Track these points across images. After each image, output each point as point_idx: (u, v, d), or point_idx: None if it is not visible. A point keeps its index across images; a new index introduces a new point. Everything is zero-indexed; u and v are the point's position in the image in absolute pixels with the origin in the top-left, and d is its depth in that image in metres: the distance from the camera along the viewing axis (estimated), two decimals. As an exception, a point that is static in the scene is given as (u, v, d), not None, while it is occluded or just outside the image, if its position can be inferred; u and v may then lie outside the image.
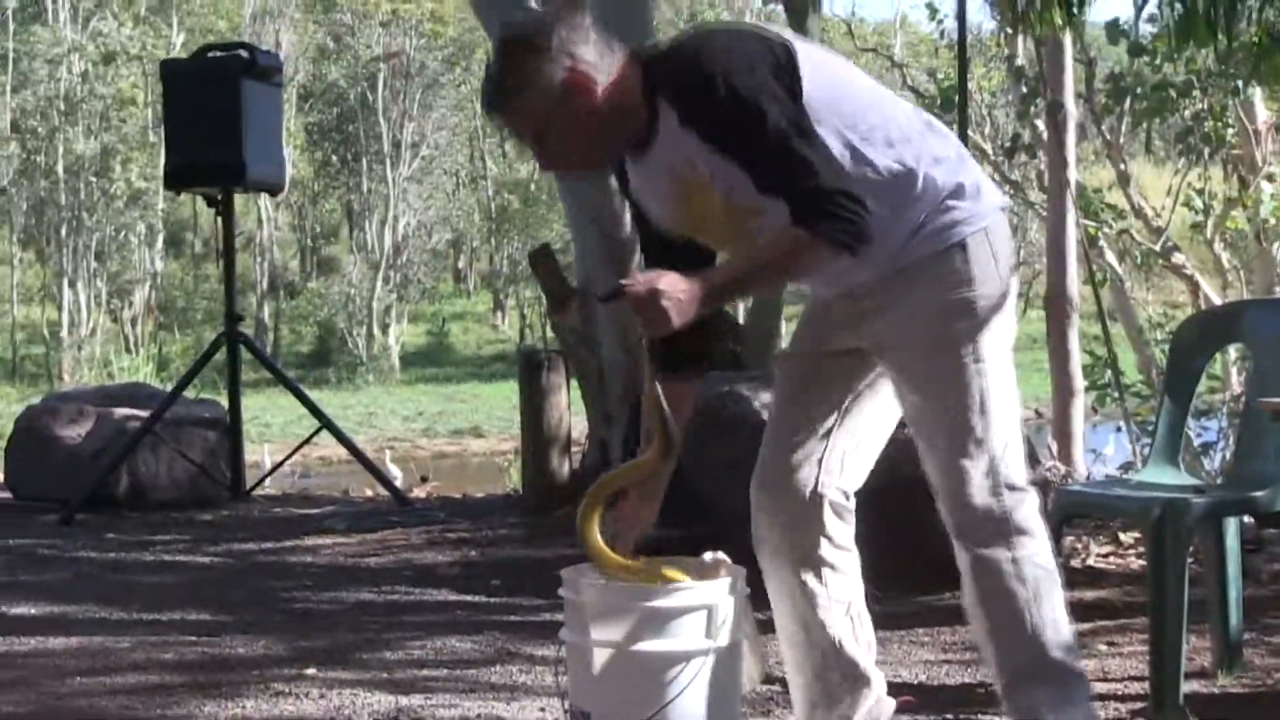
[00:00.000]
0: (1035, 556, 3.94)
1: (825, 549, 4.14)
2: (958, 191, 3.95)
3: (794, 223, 3.67)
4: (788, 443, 4.16)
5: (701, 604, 3.88)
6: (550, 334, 10.40)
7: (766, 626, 4.21)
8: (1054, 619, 3.96)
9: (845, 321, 4.06)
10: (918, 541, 5.50)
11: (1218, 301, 18.31)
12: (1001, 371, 3.97)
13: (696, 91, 3.72)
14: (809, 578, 4.15)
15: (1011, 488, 3.93)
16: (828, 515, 4.14)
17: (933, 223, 3.92)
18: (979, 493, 3.91)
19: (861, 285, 3.98)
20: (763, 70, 3.73)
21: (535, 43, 3.74)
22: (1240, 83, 14.36)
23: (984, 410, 3.91)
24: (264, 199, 41.95)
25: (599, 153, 3.93)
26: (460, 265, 57.74)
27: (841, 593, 4.18)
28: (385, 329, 47.59)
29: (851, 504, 4.18)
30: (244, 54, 11.07)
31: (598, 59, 3.76)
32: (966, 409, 3.91)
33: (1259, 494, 5.17)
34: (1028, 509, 3.95)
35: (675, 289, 3.60)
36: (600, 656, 3.88)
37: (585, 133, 3.80)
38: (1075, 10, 9.01)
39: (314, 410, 11.16)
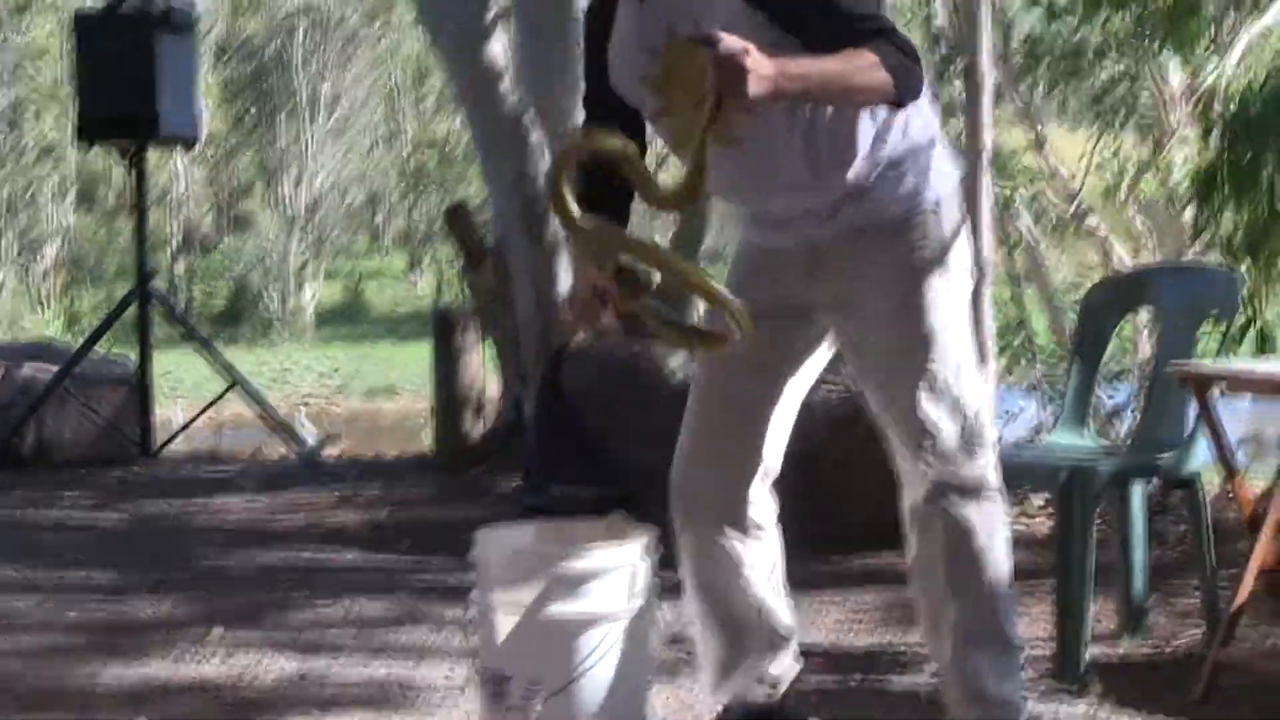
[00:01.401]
0: (1003, 518, 3.94)
1: (752, 512, 4.11)
2: (933, 144, 3.91)
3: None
4: (724, 409, 4.10)
5: (615, 566, 3.87)
6: (466, 293, 10.35)
7: (674, 588, 4.20)
8: (1008, 585, 3.96)
9: (798, 275, 3.97)
10: (825, 506, 5.51)
11: (1130, 264, 18.43)
12: (968, 333, 3.94)
13: None
14: (734, 541, 4.11)
15: (984, 448, 3.92)
16: (757, 481, 4.11)
17: (909, 168, 3.86)
18: (956, 454, 3.87)
19: (822, 233, 3.89)
20: None
21: None
22: (1155, 47, 14.39)
23: (959, 372, 3.87)
24: (178, 154, 41.63)
25: None
26: (376, 223, 57.46)
27: (765, 556, 4.17)
28: (300, 287, 47.34)
29: (777, 466, 4.16)
30: (158, 5, 10.96)
31: None
32: (942, 371, 3.85)
33: (1165, 458, 5.21)
34: (996, 470, 3.94)
35: (760, 58, 3.41)
36: (514, 618, 3.86)
37: None
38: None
39: (225, 367, 11.08)
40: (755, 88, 3.40)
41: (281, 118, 49.64)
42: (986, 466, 3.92)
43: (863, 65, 3.55)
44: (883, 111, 3.79)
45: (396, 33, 48.18)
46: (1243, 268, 8.58)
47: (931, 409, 3.86)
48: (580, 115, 9.52)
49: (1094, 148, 20.56)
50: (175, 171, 47.82)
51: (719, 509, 4.11)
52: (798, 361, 4.10)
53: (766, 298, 3.96)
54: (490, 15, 9.22)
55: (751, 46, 3.40)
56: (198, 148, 15.17)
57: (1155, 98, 18.65)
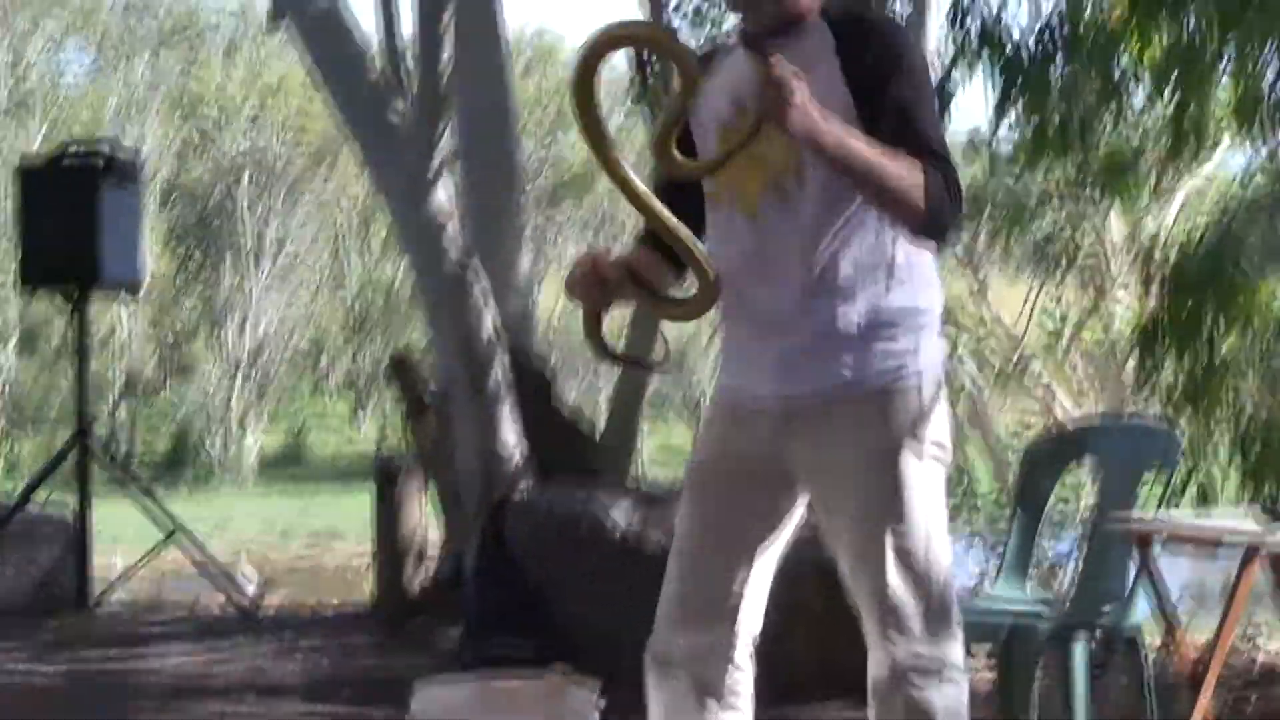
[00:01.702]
0: (964, 699, 3.90)
1: (731, 681, 4.04)
2: (930, 314, 3.90)
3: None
4: (706, 572, 4.01)
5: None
6: (410, 441, 10.33)
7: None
8: None
9: (773, 432, 3.91)
10: (774, 653, 5.47)
11: (1073, 413, 18.51)
12: (941, 510, 3.89)
13: (877, 32, 3.77)
14: (711, 704, 4.03)
15: (950, 627, 3.87)
16: (739, 645, 4.04)
17: (901, 333, 3.83)
18: (921, 632, 3.82)
19: (799, 386, 3.84)
20: (926, 66, 3.87)
21: None
22: (1096, 197, 14.53)
23: (929, 550, 3.82)
24: (121, 300, 41.58)
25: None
26: (321, 368, 57.34)
27: (740, 717, 4.10)
28: (242, 432, 47.12)
29: (758, 628, 4.09)
30: (103, 152, 10.99)
31: None
32: (912, 548, 3.80)
33: (1106, 613, 5.20)
34: (960, 649, 3.90)
35: (810, 100, 3.47)
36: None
37: None
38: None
39: (166, 515, 11.00)
40: (796, 117, 3.47)
41: (226, 262, 49.60)
42: (951, 646, 3.87)
43: (905, 174, 3.58)
44: (899, 256, 3.79)
45: (343, 177, 48.29)
46: (1184, 420, 8.62)
47: (898, 585, 3.81)
48: (525, 263, 9.57)
49: (1036, 297, 20.71)
50: (118, 317, 47.72)
51: (699, 678, 4.02)
52: (777, 524, 4.03)
53: (742, 454, 3.94)
54: (435, 164, 9.25)
55: (804, 83, 3.46)
56: (141, 294, 15.14)
57: (1097, 247, 18.80)
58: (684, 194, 3.88)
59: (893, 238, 3.78)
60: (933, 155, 3.64)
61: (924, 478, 3.83)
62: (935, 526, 3.85)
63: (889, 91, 3.68)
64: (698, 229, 3.87)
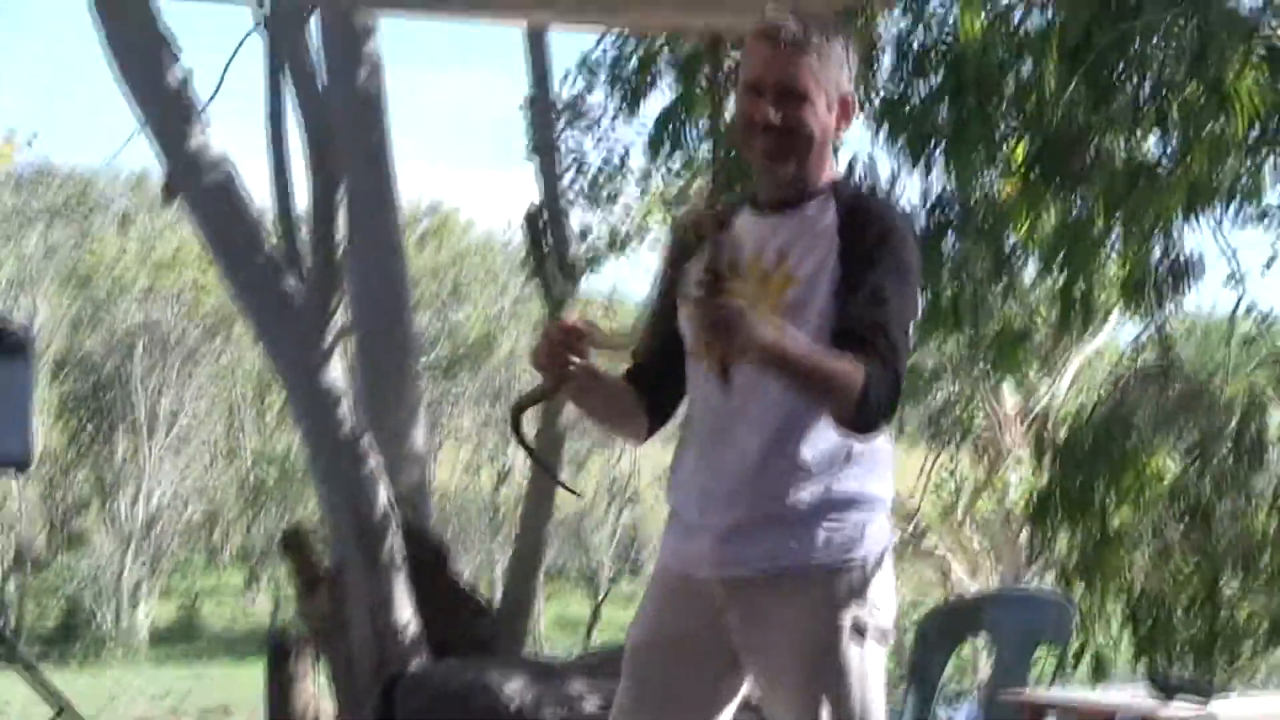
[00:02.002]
0: None
1: None
2: (881, 504, 3.87)
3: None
4: None
5: None
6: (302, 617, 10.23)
7: None
8: None
9: (716, 615, 3.86)
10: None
11: (969, 584, 18.57)
12: (881, 692, 3.84)
13: (879, 219, 3.78)
14: None
15: None
16: None
17: (851, 518, 3.80)
18: None
19: (742, 568, 3.80)
20: (917, 270, 3.82)
21: (851, 55, 3.91)
22: (988, 370, 14.66)
23: None
24: (10, 473, 41.11)
25: (797, 152, 3.84)
26: (215, 539, 56.86)
27: None
28: (135, 605, 46.58)
29: None
30: (-8, 328, 10.90)
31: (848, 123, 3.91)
32: None
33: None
34: None
35: (756, 324, 3.48)
36: None
37: (816, 135, 3.82)
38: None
39: (51, 692, 10.82)
40: (739, 349, 3.49)
41: (120, 433, 49.27)
42: None
43: (841, 379, 3.56)
44: (857, 444, 3.76)
45: (237, 349, 48.18)
46: (1077, 593, 8.66)
47: None
48: (420, 435, 9.57)
49: (931, 467, 20.83)
50: (8, 490, 47.19)
51: None
52: (719, 706, 3.96)
53: (682, 633, 3.91)
54: (329, 337, 9.24)
55: (751, 309, 3.49)
56: (29, 470, 15.00)
57: (990, 419, 18.95)
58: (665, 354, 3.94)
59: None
60: (882, 351, 3.63)
61: (865, 659, 3.79)
62: (874, 707, 3.81)
63: (869, 276, 3.69)
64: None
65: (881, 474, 3.86)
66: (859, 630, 3.78)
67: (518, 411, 3.94)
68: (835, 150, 3.97)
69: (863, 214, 3.79)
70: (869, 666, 3.80)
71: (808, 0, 4.09)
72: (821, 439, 3.75)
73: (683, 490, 3.95)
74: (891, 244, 3.74)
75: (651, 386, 3.96)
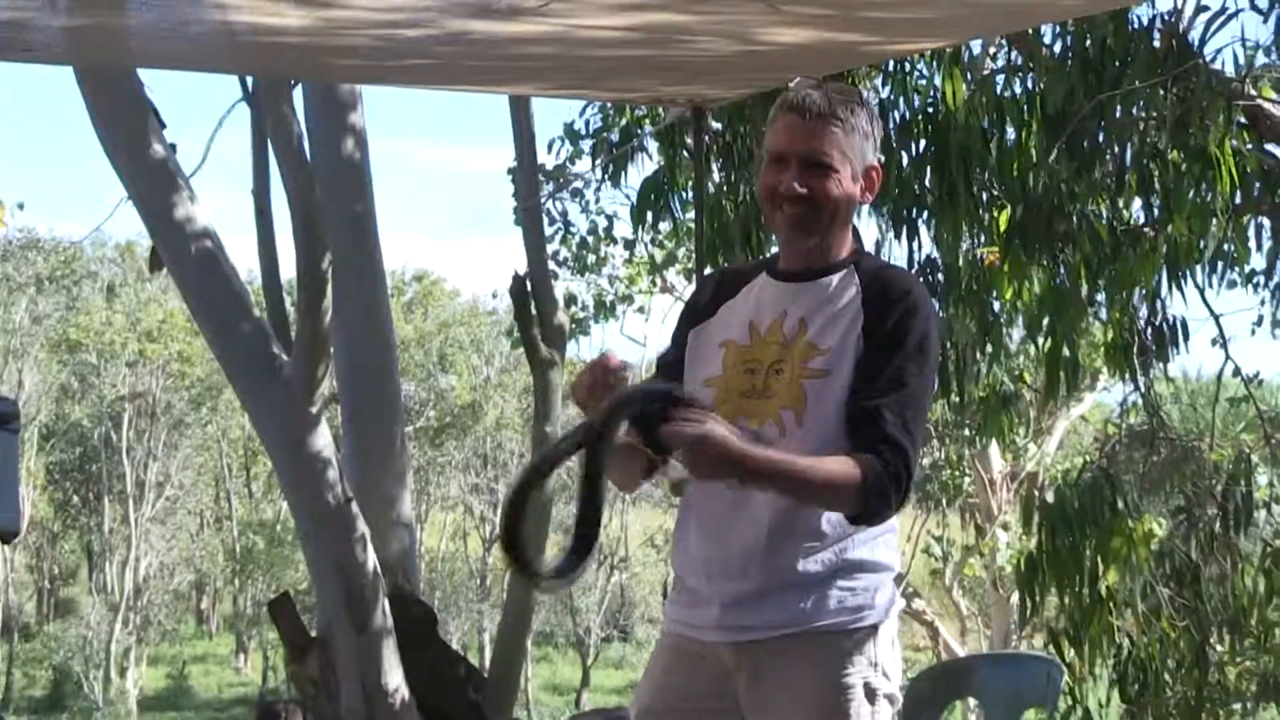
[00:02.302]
0: None
1: None
2: (891, 570, 3.90)
3: (853, 449, 3.66)
4: None
5: None
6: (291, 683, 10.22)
7: None
8: None
9: (723, 677, 3.89)
10: None
11: (957, 648, 18.54)
12: None
13: (904, 297, 3.81)
14: None
15: None
16: None
17: (861, 583, 3.83)
18: None
19: (753, 633, 3.82)
20: (937, 348, 3.87)
21: (877, 127, 3.97)
22: (975, 434, 14.68)
23: None
24: None
25: (820, 223, 3.89)
26: (203, 606, 56.76)
27: None
28: (123, 672, 46.42)
29: None
30: (-22, 399, 10.89)
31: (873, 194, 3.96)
32: None
33: None
34: None
35: (726, 442, 3.52)
36: None
37: (840, 206, 3.88)
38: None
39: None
40: (712, 471, 3.56)
41: (107, 501, 49.21)
42: None
43: (832, 479, 3.62)
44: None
45: (224, 418, 48.20)
46: (1066, 654, 8.67)
47: None
48: (406, 503, 9.58)
49: (919, 531, 20.83)
50: (-3, 557, 47.12)
51: None
52: None
53: (687, 694, 3.93)
54: (315, 407, 9.25)
55: (720, 425, 3.52)
56: (16, 541, 14.96)
57: (978, 482, 18.96)
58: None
59: None
60: (893, 438, 3.68)
61: (873, 718, 3.81)
62: None
63: (893, 357, 3.74)
64: None
65: (889, 541, 3.90)
66: (869, 692, 3.80)
67: (547, 468, 3.85)
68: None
69: (887, 289, 3.83)
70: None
71: (796, 69, 4.13)
72: (832, 514, 3.77)
73: (689, 558, 3.97)
74: (915, 323, 3.78)
75: None
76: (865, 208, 7.96)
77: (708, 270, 8.92)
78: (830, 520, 3.77)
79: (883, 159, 3.99)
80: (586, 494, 3.56)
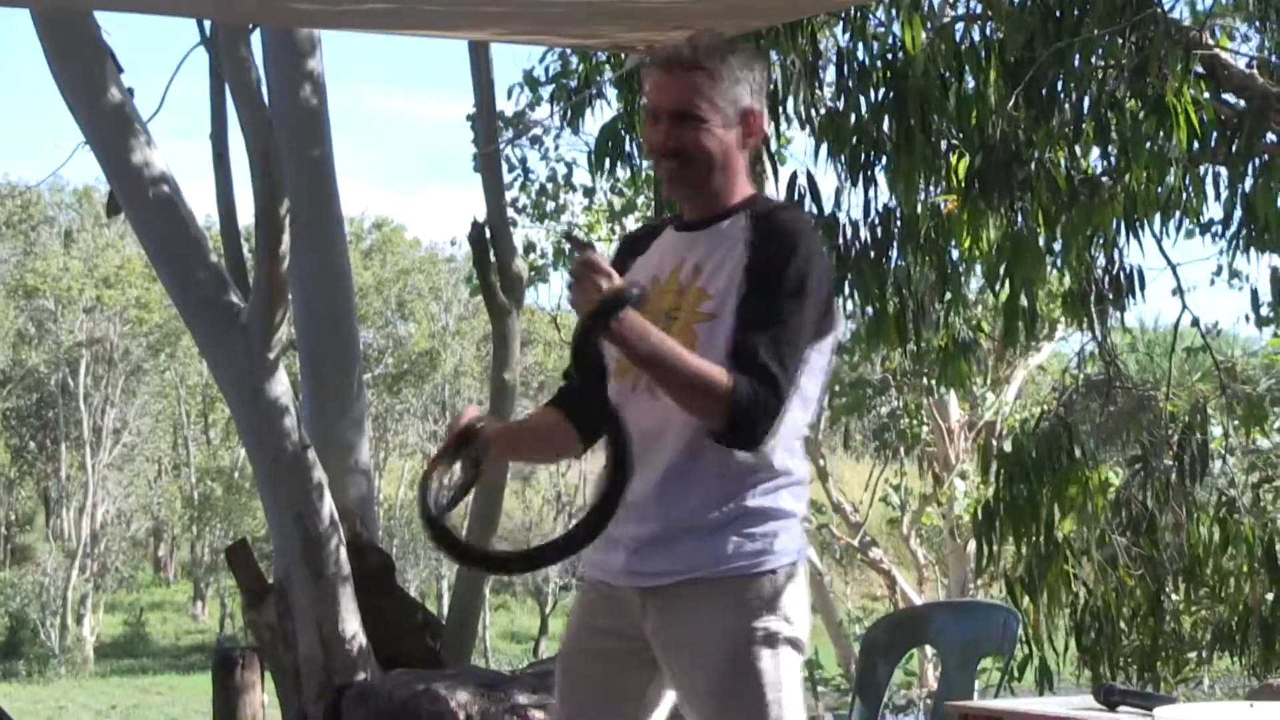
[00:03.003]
0: None
1: None
2: (793, 517, 3.92)
3: (731, 368, 3.70)
4: None
5: None
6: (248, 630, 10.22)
7: None
8: None
9: (635, 619, 3.93)
10: None
11: (914, 596, 18.62)
12: (796, 696, 3.88)
13: (781, 239, 3.82)
14: None
15: None
16: None
17: (759, 527, 3.86)
18: None
19: (655, 579, 3.87)
20: (825, 285, 3.89)
21: (750, 67, 3.94)
22: (933, 383, 14.72)
23: None
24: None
25: (698, 173, 3.93)
26: (160, 554, 56.66)
27: None
28: (80, 619, 46.35)
29: None
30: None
31: (760, 134, 3.98)
32: None
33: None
34: None
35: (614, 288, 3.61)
36: None
37: (715, 158, 3.91)
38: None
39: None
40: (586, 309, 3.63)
41: (64, 448, 49.07)
42: None
43: (716, 379, 3.68)
44: (775, 461, 3.85)
45: (182, 365, 48.05)
46: (1022, 603, 8.70)
47: None
48: (364, 450, 9.56)
49: (877, 480, 20.88)
50: (-48, 504, 46.94)
51: None
52: (649, 708, 4.03)
53: (607, 634, 3.99)
54: (273, 354, 9.22)
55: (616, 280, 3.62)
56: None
57: (936, 431, 19.01)
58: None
59: (775, 444, 3.84)
60: (765, 371, 3.72)
61: (778, 667, 3.84)
62: (788, 712, 3.85)
63: (768, 299, 3.77)
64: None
65: (797, 491, 3.93)
66: (771, 638, 3.84)
67: (437, 514, 3.98)
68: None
69: (771, 230, 3.87)
70: (783, 675, 3.86)
71: (756, 14, 4.13)
72: (730, 458, 3.82)
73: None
74: (795, 263, 3.81)
75: (584, 402, 3.99)
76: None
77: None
78: (728, 465, 3.82)
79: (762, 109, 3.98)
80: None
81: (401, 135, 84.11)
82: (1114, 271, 8.77)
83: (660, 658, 3.92)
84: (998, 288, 8.69)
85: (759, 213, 3.92)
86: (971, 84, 8.43)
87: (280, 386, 9.26)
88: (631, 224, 18.39)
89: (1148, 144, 8.07)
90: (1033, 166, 8.16)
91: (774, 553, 3.85)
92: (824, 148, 8.54)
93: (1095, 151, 8.61)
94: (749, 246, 3.84)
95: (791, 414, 3.83)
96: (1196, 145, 8.16)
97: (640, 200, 16.91)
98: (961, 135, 8.46)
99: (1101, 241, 8.63)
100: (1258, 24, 9.22)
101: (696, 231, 3.96)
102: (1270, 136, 8.59)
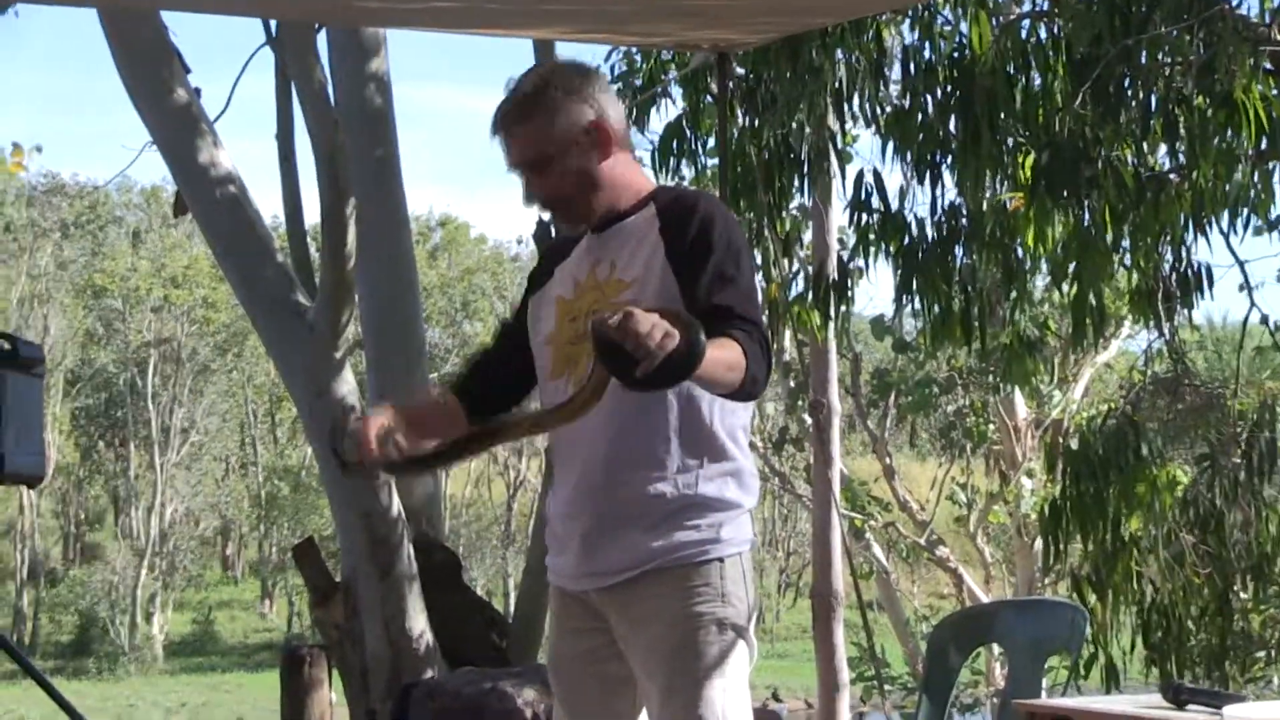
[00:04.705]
0: None
1: None
2: (740, 508, 3.97)
3: (722, 331, 3.71)
4: None
5: None
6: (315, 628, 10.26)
7: None
8: None
9: (598, 613, 4.00)
10: None
11: (981, 594, 18.55)
12: (741, 695, 3.92)
13: (696, 211, 3.90)
14: None
15: None
16: None
17: (706, 518, 3.91)
18: None
19: (607, 578, 3.93)
20: (745, 249, 3.96)
21: (572, 84, 3.98)
22: (999, 381, 14.68)
23: None
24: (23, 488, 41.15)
25: (582, 205, 4.00)
26: (228, 552, 56.99)
27: None
28: (149, 617, 46.66)
29: None
30: (4, 345, 10.91)
31: (620, 130, 4.01)
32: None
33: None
34: None
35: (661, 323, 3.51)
36: None
37: (584, 179, 3.97)
38: (832, 316, 9.18)
39: (66, 708, 10.84)
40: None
41: (133, 447, 49.38)
42: None
43: (732, 361, 3.68)
44: (722, 447, 3.92)
45: (249, 364, 48.31)
46: (1090, 601, 8.67)
47: None
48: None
49: (943, 478, 20.81)
50: (22, 504, 47.27)
51: None
52: (640, 705, 4.05)
53: (579, 631, 4.06)
54: (339, 353, 9.26)
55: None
56: (42, 486, 15.05)
57: (1002, 429, 18.94)
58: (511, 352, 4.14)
59: (718, 430, 3.92)
60: (744, 320, 3.77)
61: (724, 654, 3.89)
62: (733, 701, 3.90)
63: (708, 263, 3.83)
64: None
65: (742, 480, 3.99)
66: (718, 623, 3.89)
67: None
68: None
69: (679, 211, 3.93)
70: (728, 661, 3.90)
71: (821, 13, 4.12)
72: (671, 447, 3.90)
73: (552, 502, 4.12)
74: (716, 230, 3.88)
75: (487, 378, 4.17)
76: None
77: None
78: (672, 458, 3.89)
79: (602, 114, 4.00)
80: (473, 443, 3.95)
81: (468, 134, 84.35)
82: (1181, 269, 8.72)
83: (622, 649, 3.99)
84: (1064, 286, 8.66)
85: (663, 200, 3.99)
86: (1038, 81, 8.40)
87: (347, 385, 9.30)
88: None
89: (1215, 141, 8.03)
90: (1100, 164, 8.13)
91: (720, 541, 3.92)
92: (890, 146, 8.53)
93: (1162, 148, 8.56)
94: (663, 233, 3.90)
95: (733, 401, 3.88)
96: (1265, 142, 8.10)
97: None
98: (1028, 133, 8.44)
99: (1169, 239, 8.58)
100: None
101: (607, 231, 4.02)
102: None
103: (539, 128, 3.94)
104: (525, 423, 4.09)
